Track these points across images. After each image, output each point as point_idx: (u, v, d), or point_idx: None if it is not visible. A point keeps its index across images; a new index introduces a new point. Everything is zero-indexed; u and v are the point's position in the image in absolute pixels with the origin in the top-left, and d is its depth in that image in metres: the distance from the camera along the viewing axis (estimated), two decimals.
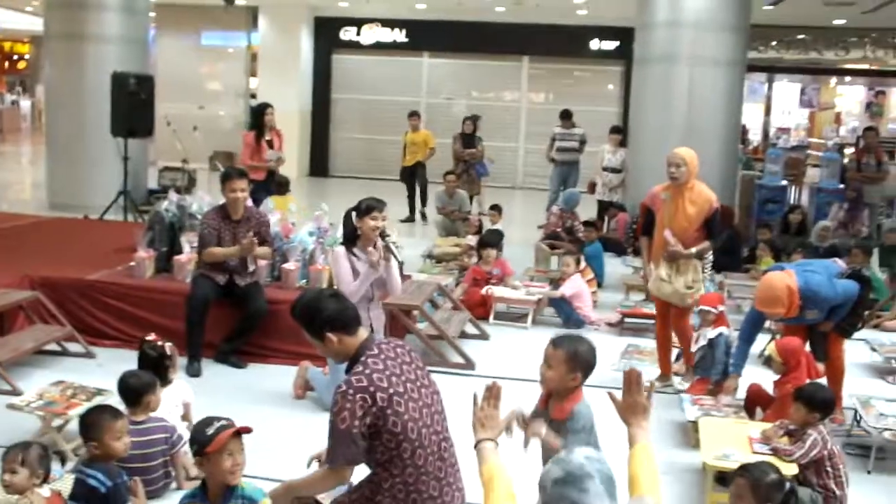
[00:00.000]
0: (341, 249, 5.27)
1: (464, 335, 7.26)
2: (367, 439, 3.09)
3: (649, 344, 7.07)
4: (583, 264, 8.52)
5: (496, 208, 10.84)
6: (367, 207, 5.24)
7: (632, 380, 2.81)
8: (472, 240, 9.70)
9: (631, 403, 2.77)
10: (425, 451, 3.17)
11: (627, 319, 7.81)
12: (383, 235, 5.26)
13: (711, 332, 6.05)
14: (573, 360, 3.33)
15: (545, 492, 2.14)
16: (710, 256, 6.96)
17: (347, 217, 5.33)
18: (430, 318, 6.85)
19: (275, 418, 5.22)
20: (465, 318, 7.42)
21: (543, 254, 9.92)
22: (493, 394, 2.82)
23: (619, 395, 2.82)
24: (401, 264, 5.30)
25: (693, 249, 5.83)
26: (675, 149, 5.87)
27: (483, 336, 7.44)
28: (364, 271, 5.19)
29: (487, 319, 7.89)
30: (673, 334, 6.30)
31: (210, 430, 3.11)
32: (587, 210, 11.55)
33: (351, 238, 5.31)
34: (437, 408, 3.31)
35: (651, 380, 3.06)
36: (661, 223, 5.87)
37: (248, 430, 3.20)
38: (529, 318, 7.95)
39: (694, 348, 6.23)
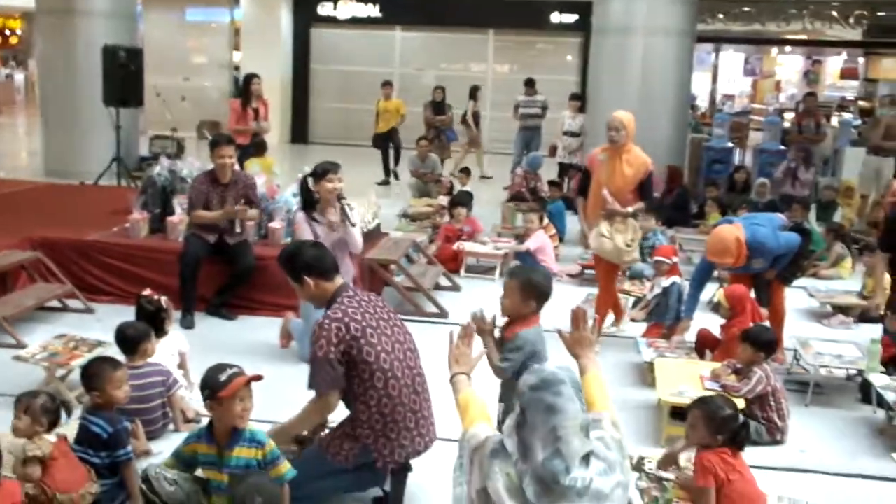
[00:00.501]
0: (301, 214, 5.14)
1: (437, 287, 7.30)
2: (344, 366, 3.10)
3: None
4: (546, 221, 8.57)
5: (465, 171, 10.94)
6: (323, 170, 5.11)
7: (578, 317, 2.88)
8: (443, 200, 9.71)
9: (578, 338, 2.84)
10: (399, 383, 3.19)
11: (587, 271, 7.83)
12: (340, 198, 5.13)
13: (665, 281, 6.17)
14: (527, 288, 3.37)
15: (522, 397, 2.17)
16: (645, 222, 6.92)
17: (304, 182, 5.21)
18: (406, 271, 6.88)
19: (262, 366, 5.15)
20: (438, 272, 7.47)
21: (510, 211, 9.94)
22: (466, 334, 2.90)
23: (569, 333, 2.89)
24: (352, 225, 5.17)
25: (629, 209, 5.69)
26: (615, 112, 5.72)
27: (455, 288, 7.50)
28: (323, 233, 5.08)
29: (459, 273, 7.96)
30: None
31: (223, 377, 3.07)
32: (549, 171, 11.57)
33: (310, 202, 5.19)
34: (409, 346, 3.38)
35: (595, 316, 3.11)
36: (598, 183, 5.72)
37: (258, 378, 3.16)
38: (497, 271, 8.01)
39: (650, 296, 6.38)
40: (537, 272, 3.48)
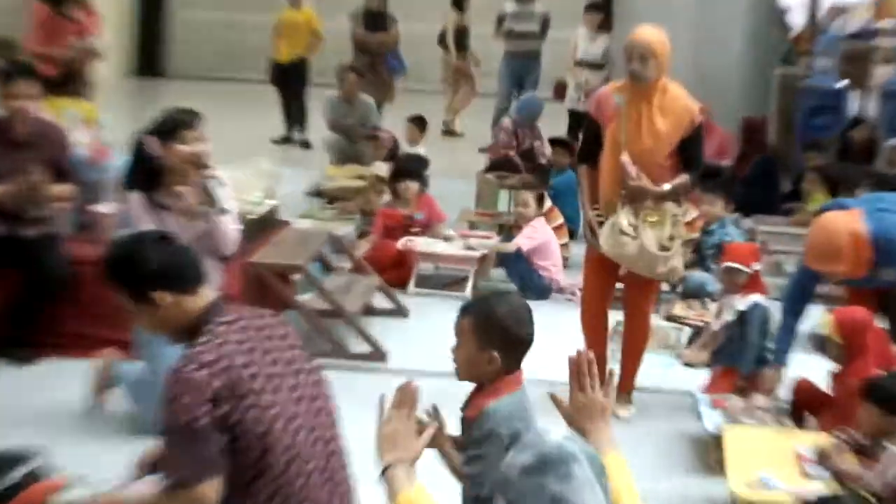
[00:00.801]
0: (137, 197, 5.17)
1: (371, 311, 7.33)
2: (223, 439, 3.13)
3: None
4: (548, 203, 8.53)
5: (418, 122, 10.96)
6: (175, 126, 5.08)
7: (582, 368, 2.95)
8: (381, 168, 9.72)
9: (584, 403, 2.92)
10: (305, 467, 3.24)
11: (616, 284, 7.67)
12: (201, 168, 5.09)
13: (741, 302, 6.15)
14: (485, 331, 3.41)
15: (510, 488, 2.21)
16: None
17: (141, 146, 5.14)
18: (319, 285, 6.88)
19: (81, 445, 5.14)
20: (371, 287, 7.44)
21: (489, 188, 9.90)
22: (406, 398, 2.94)
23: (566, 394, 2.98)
24: (222, 213, 5.12)
25: (666, 186, 5.70)
26: (638, 31, 5.78)
27: (400, 312, 7.54)
28: (175, 226, 4.97)
29: (406, 287, 8.01)
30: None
31: (7, 481, 3.16)
32: (554, 124, 11.48)
33: (151, 177, 5.13)
34: (322, 404, 3.41)
35: (611, 369, 3.16)
36: (614, 143, 5.76)
37: (56, 489, 3.21)
38: (469, 285, 8.05)
39: (716, 326, 6.41)
40: (504, 302, 3.50)
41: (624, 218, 5.72)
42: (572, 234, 8.96)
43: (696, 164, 5.85)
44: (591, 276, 6.12)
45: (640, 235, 5.70)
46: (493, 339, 3.38)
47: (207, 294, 3.40)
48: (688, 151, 5.78)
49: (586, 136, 6.09)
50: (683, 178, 5.80)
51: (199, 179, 5.13)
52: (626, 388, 5.98)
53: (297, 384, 3.33)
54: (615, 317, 7.06)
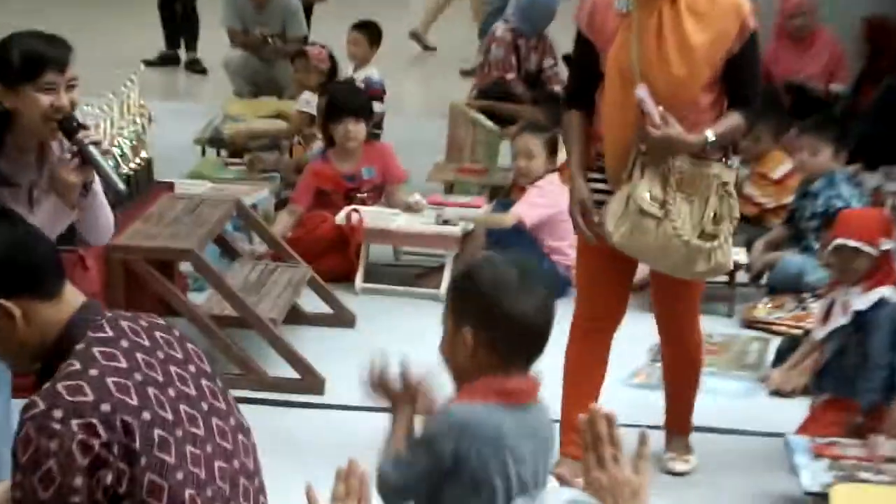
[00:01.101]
0: None
1: (299, 318, 7.44)
2: None
3: (710, 328, 7.22)
4: (563, 154, 8.22)
5: (367, 31, 10.97)
6: (30, 61, 5.03)
7: (598, 432, 2.99)
8: (309, 101, 9.92)
9: (604, 484, 2.96)
10: None
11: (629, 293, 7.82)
12: (69, 125, 5.03)
13: (860, 298, 6.15)
14: (460, 301, 3.60)
15: None
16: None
17: None
18: (219, 279, 6.98)
19: None
20: (299, 281, 7.57)
21: (476, 131, 10.03)
22: (352, 490, 3.05)
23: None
24: (117, 191, 5.13)
25: (709, 134, 5.55)
26: None
27: (342, 319, 7.64)
28: (23, 207, 4.93)
29: (352, 281, 8.15)
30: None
31: None
32: (565, 34, 11.51)
33: None
34: (234, 448, 3.43)
35: (643, 431, 3.07)
36: (620, 72, 5.63)
37: None
38: (444, 276, 8.00)
39: (821, 333, 6.39)
40: (494, 261, 3.70)
41: (644, 189, 5.56)
42: None
43: (752, 94, 5.74)
44: (587, 281, 6.04)
45: (669, 215, 5.57)
46: (468, 312, 3.53)
47: (71, 297, 3.41)
48: (739, 76, 5.65)
49: (576, 65, 6.08)
50: (734, 118, 5.67)
51: (65, 143, 5.11)
52: (681, 429, 6.02)
53: (209, 432, 3.36)
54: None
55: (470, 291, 3.55)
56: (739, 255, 7.74)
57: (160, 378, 3.27)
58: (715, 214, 5.62)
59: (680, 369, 6.11)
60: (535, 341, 3.55)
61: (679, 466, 5.89)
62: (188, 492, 3.21)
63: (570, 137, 5.97)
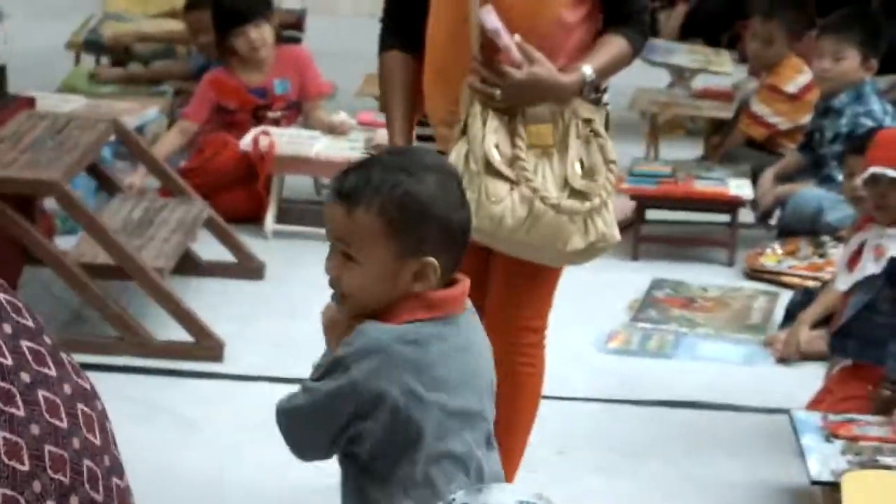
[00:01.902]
0: None
1: (192, 267, 7.50)
2: None
3: (705, 280, 7.78)
4: None
5: None
6: None
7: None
8: None
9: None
10: None
11: (650, 211, 8.20)
12: None
13: (892, 242, 5.83)
14: (409, 223, 3.53)
15: None
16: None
17: None
18: (92, 219, 6.78)
19: None
20: (193, 221, 7.51)
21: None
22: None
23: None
24: None
25: (586, 69, 4.95)
26: None
27: (248, 269, 7.67)
28: None
29: (261, 221, 8.24)
30: None
31: None
32: None
33: None
34: (71, 424, 2.90)
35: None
36: None
37: None
38: None
39: (843, 283, 6.24)
40: (430, 172, 3.57)
41: (490, 142, 4.92)
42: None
43: (639, 7, 5.14)
44: (477, 259, 5.42)
45: (524, 174, 4.94)
46: (426, 240, 3.47)
47: None
48: None
49: None
50: (615, 44, 5.03)
51: None
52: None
53: (32, 409, 2.43)
54: (650, 272, 7.74)
55: (421, 217, 3.49)
56: (743, 187, 7.96)
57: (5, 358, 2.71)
58: (582, 165, 5.02)
59: (506, 398, 5.05)
60: (466, 241, 3.65)
61: None
62: (2, 492, 2.67)
63: (390, 83, 5.38)
